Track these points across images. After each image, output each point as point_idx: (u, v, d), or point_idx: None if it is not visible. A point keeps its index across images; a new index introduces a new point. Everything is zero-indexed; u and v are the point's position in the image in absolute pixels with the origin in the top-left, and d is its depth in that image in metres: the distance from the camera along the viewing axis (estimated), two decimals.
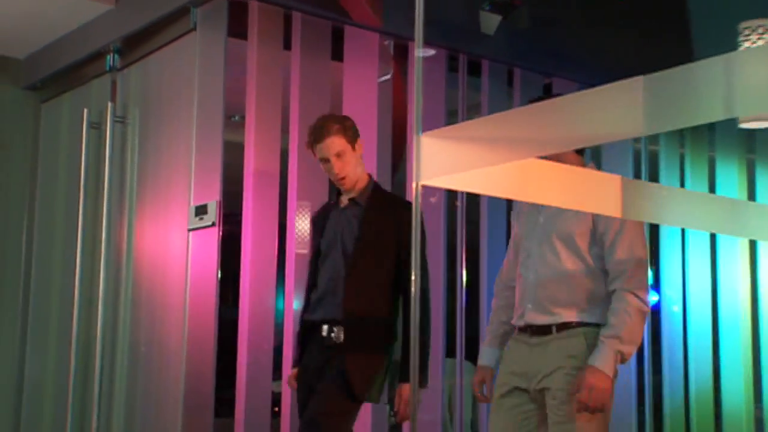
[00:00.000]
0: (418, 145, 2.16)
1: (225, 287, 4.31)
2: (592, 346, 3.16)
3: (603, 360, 3.10)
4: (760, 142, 5.87)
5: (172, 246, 4.51)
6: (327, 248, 3.76)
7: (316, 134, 3.70)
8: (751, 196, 5.84)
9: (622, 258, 3.18)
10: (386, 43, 4.90)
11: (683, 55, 1.73)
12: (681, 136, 5.80)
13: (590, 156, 3.67)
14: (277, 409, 4.64)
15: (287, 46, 4.61)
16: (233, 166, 4.41)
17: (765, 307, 5.86)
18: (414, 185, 2.17)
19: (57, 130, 5.62)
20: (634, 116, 1.82)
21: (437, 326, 4.83)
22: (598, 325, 3.20)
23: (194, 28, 4.47)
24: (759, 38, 3.96)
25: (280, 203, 4.51)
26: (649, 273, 3.26)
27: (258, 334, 4.34)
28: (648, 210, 2.65)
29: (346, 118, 3.80)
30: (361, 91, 4.79)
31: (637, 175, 5.48)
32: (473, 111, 5.17)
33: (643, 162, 5.56)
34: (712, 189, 5.77)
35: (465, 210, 5.04)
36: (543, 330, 3.26)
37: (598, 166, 3.86)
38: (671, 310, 5.66)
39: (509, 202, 3.84)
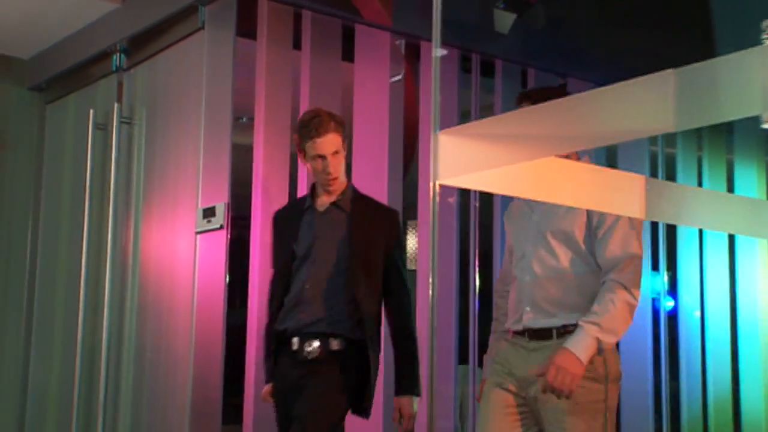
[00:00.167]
0: (435, 144, 2.10)
1: (233, 291, 4.28)
2: (602, 352, 3.06)
3: (577, 344, 2.97)
4: None
5: (179, 249, 4.47)
6: (304, 253, 3.60)
7: (316, 128, 3.55)
8: None
9: (615, 252, 3.08)
10: (397, 42, 4.87)
11: (705, 54, 1.68)
12: (699, 138, 5.76)
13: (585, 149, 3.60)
14: None
15: (297, 45, 4.58)
16: (242, 168, 4.37)
17: None
18: (431, 185, 2.11)
19: (62, 132, 5.59)
20: (664, 111, 1.76)
21: (449, 332, 4.79)
22: None
23: (202, 27, 4.43)
24: None
25: None
26: (643, 270, 3.14)
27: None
28: (672, 211, 2.58)
29: (338, 115, 3.70)
30: (372, 92, 4.76)
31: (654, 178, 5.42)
32: (486, 112, 5.12)
33: (660, 165, 5.51)
34: (730, 192, 5.71)
35: (478, 212, 4.99)
36: (542, 334, 3.16)
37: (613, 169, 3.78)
38: (688, 314, 5.60)
39: None
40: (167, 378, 4.52)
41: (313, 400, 3.45)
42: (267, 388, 3.68)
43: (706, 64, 1.73)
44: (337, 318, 3.52)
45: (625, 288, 3.05)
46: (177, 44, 4.66)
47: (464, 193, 4.90)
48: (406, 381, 3.62)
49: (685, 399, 5.50)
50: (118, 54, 5.03)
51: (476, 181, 2.29)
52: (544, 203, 3.22)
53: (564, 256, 3.17)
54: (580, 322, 3.02)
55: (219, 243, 4.20)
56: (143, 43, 4.89)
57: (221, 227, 4.18)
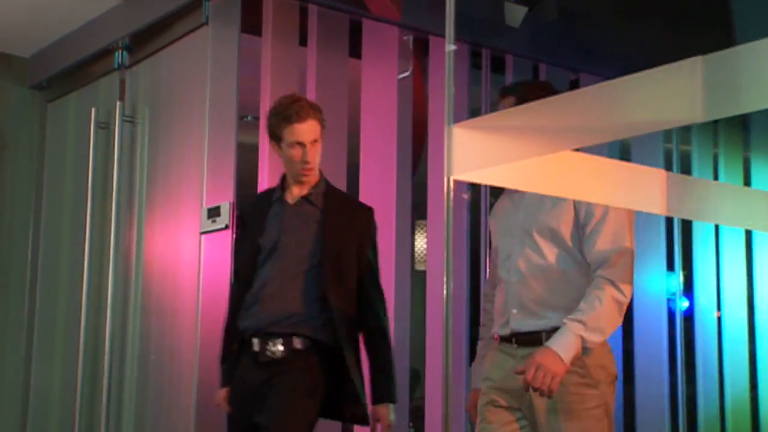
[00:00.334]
0: (449, 137, 2.05)
1: None
2: (588, 352, 2.96)
3: (561, 343, 2.87)
4: None
5: (184, 250, 4.45)
6: (270, 247, 3.43)
7: (297, 113, 3.37)
8: None
9: (604, 247, 2.98)
10: (405, 38, 4.83)
11: (724, 47, 1.63)
12: (714, 134, 5.72)
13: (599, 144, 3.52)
14: None
15: (303, 42, 4.56)
16: (247, 167, 4.34)
17: None
18: (445, 180, 2.06)
19: (64, 131, 5.56)
20: (691, 100, 1.70)
21: (460, 332, 4.75)
22: None
23: (206, 23, 4.40)
24: None
25: None
26: (633, 267, 3.03)
27: None
28: (694, 207, 2.52)
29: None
30: (380, 89, 4.73)
31: None
32: (496, 108, 5.07)
33: (674, 162, 5.46)
34: None
35: (488, 211, 4.95)
36: (531, 339, 3.04)
37: None
38: (705, 315, 5.55)
39: None
40: (171, 381, 4.49)
41: (280, 408, 3.29)
42: (222, 392, 3.49)
43: (735, 50, 1.67)
44: (301, 317, 3.35)
45: (613, 284, 2.95)
46: (180, 40, 4.63)
47: (474, 189, 4.86)
48: (382, 388, 3.47)
49: (702, 402, 5.45)
50: (120, 51, 4.99)
51: (491, 176, 2.23)
52: (529, 199, 3.12)
53: (551, 254, 3.07)
54: (564, 320, 2.93)
55: (224, 243, 4.16)
56: (146, 40, 4.86)
57: (226, 227, 4.14)
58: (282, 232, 3.42)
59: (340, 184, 4.49)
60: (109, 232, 4.87)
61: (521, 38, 4.90)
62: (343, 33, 4.61)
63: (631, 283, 3.01)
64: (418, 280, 5.28)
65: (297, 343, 3.33)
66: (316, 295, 3.38)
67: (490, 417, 3.11)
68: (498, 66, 5.04)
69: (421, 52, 4.90)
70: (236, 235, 3.66)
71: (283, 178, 3.53)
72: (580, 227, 3.05)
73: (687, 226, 5.44)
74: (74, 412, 4.94)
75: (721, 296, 5.60)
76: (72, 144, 5.45)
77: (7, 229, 5.62)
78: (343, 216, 3.48)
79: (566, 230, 3.05)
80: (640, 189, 2.41)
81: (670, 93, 1.77)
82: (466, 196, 4.84)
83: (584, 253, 3.03)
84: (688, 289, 5.58)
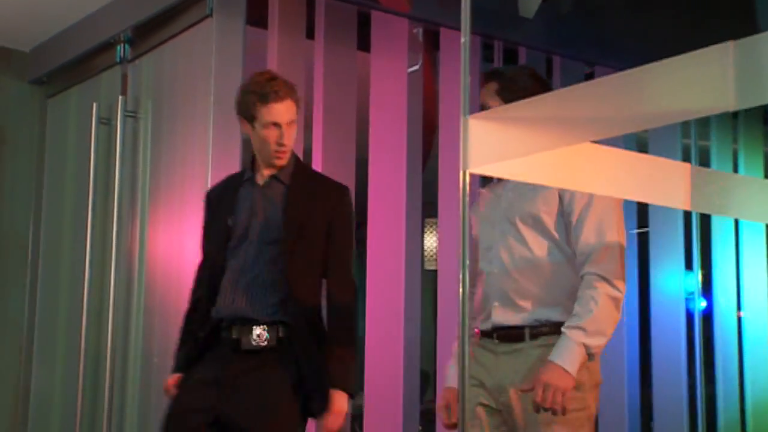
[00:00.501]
0: (465, 129, 2.00)
1: None
2: (593, 358, 2.90)
3: (563, 355, 2.81)
4: None
5: (188, 249, 4.40)
6: (242, 232, 3.30)
7: (275, 91, 3.23)
8: None
9: (589, 240, 2.90)
10: (415, 30, 4.81)
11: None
12: (734, 129, 5.68)
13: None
14: None
15: (310, 35, 4.53)
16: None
17: None
18: (461, 174, 2.01)
19: (64, 127, 5.53)
20: (723, 87, 1.65)
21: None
22: None
23: (210, 15, 4.36)
24: None
25: None
26: (625, 258, 2.95)
27: None
28: (719, 202, 2.47)
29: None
30: (389, 83, 4.70)
31: None
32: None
33: (693, 158, 5.42)
34: None
35: None
36: (513, 335, 2.98)
37: None
38: (724, 315, 5.51)
39: None
40: None
41: (269, 408, 3.16)
42: (173, 378, 3.34)
43: None
44: (277, 304, 3.22)
45: (605, 280, 2.88)
46: (184, 33, 4.60)
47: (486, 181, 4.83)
48: (337, 373, 3.23)
49: (722, 404, 5.42)
50: (122, 44, 4.96)
51: (508, 170, 2.18)
52: (512, 188, 3.05)
53: (535, 244, 2.99)
54: (563, 329, 2.86)
55: None
56: (148, 33, 4.83)
57: None
58: (253, 216, 3.31)
59: (349, 180, 4.47)
60: (111, 230, 4.84)
61: (535, 30, 4.87)
62: (351, 25, 4.58)
63: (623, 277, 2.93)
64: (427, 280, 5.25)
65: (281, 331, 3.21)
66: (298, 279, 3.25)
67: (480, 415, 3.04)
68: (511, 58, 4.99)
69: (431, 45, 4.87)
70: (204, 219, 3.51)
71: (253, 160, 3.40)
72: (564, 215, 2.97)
73: (706, 224, 5.41)
74: (76, 415, 4.90)
75: (741, 295, 5.56)
76: (73, 140, 5.42)
77: (6, 227, 5.59)
78: (308, 192, 3.33)
79: (550, 218, 2.98)
80: (663, 183, 2.36)
81: (698, 80, 1.71)
82: (483, 191, 4.82)
83: (571, 245, 2.97)
84: (707, 288, 5.53)
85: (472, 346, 3.09)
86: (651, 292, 5.31)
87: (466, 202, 2.05)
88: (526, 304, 2.98)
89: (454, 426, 3.13)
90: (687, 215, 5.26)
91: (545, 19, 4.81)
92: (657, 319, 5.27)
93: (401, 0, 4.57)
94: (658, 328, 5.25)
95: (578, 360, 2.83)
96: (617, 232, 2.95)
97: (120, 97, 4.88)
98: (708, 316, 5.49)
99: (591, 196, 2.93)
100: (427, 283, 4.93)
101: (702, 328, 5.31)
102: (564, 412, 2.82)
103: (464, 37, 2.22)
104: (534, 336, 2.96)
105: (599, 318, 2.85)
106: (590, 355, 2.87)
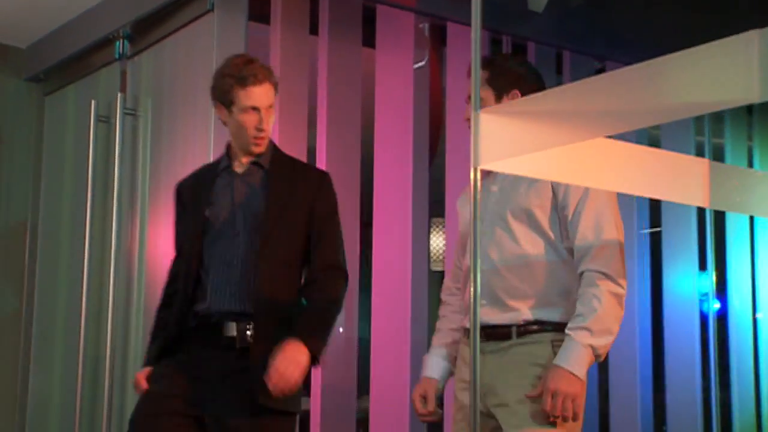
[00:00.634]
0: (475, 124, 1.96)
1: None
2: (600, 359, 2.84)
3: (571, 359, 2.74)
4: None
5: None
6: (224, 222, 3.21)
7: (254, 75, 3.17)
8: None
9: (588, 233, 2.84)
10: (421, 26, 4.78)
11: None
12: (749, 126, 5.65)
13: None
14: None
15: (314, 30, 4.51)
16: None
17: None
18: (471, 170, 1.97)
19: (62, 125, 5.50)
20: (747, 78, 1.60)
21: None
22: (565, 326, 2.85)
23: (211, 10, 4.32)
24: None
25: None
26: (624, 255, 2.89)
27: None
28: (739, 199, 2.42)
29: None
30: (395, 80, 4.68)
31: None
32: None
33: (706, 156, 5.37)
34: None
35: None
36: (500, 333, 2.90)
37: None
38: (739, 317, 5.48)
39: None
40: None
41: (257, 414, 3.06)
42: (144, 372, 3.24)
43: None
44: (264, 297, 3.13)
45: (607, 277, 2.81)
46: (184, 28, 4.57)
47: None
48: (302, 327, 3.11)
49: (737, 409, 5.38)
50: (121, 40, 4.92)
51: (520, 166, 2.13)
52: (503, 181, 2.99)
53: (526, 239, 2.92)
54: (567, 331, 2.79)
55: None
56: (148, 28, 4.79)
57: None
58: (236, 205, 3.23)
59: (354, 179, 4.46)
60: (110, 230, 4.81)
61: (544, 24, 4.83)
62: (356, 21, 4.56)
63: (624, 273, 2.87)
64: (434, 281, 5.21)
65: (270, 327, 3.12)
66: (278, 271, 3.19)
67: (461, 422, 2.99)
68: (520, 54, 4.97)
69: (437, 40, 4.84)
70: (176, 212, 3.42)
71: (228, 148, 3.34)
72: (558, 209, 2.91)
73: (720, 223, 5.37)
74: (75, 417, 4.88)
75: (757, 296, 5.53)
76: (71, 138, 5.39)
77: (2, 228, 5.57)
78: (289, 177, 3.27)
79: (543, 213, 2.92)
80: (681, 179, 2.31)
81: (721, 71, 1.67)
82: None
83: (565, 240, 2.90)
84: (722, 289, 5.49)
85: (461, 345, 3.07)
86: (664, 293, 5.29)
87: (477, 200, 2.01)
88: (515, 304, 2.91)
89: (431, 418, 3.08)
90: (700, 214, 5.23)
91: (555, 13, 4.78)
92: (670, 321, 5.24)
93: None
94: (671, 331, 5.22)
95: (586, 363, 2.78)
96: (615, 226, 2.89)
97: (119, 95, 4.84)
98: (722, 317, 5.45)
99: (587, 190, 2.87)
100: (434, 285, 4.89)
101: (716, 331, 5.27)
102: (575, 418, 2.76)
103: (475, 31, 2.18)
104: (521, 334, 2.89)
105: (604, 317, 2.79)
106: (597, 357, 2.81)
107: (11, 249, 5.57)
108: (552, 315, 2.89)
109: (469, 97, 3.09)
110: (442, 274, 4.83)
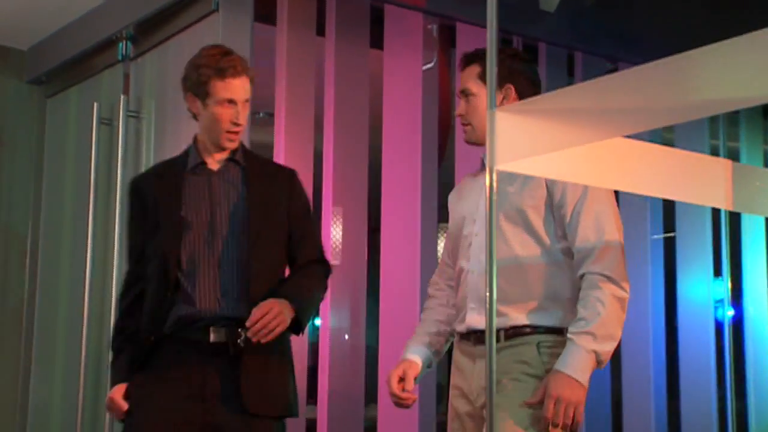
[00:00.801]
0: (491, 123, 1.92)
1: None
2: (546, 356, 2.78)
3: (573, 364, 2.68)
4: None
5: None
6: (200, 223, 3.08)
7: (233, 66, 3.09)
8: None
9: (588, 234, 2.78)
10: (429, 26, 4.76)
11: None
12: (765, 130, 5.62)
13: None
14: None
15: (320, 31, 4.49)
16: None
17: None
18: (487, 171, 1.93)
19: (64, 128, 5.48)
20: None
21: None
22: (559, 331, 2.80)
23: (216, 10, 4.29)
24: None
25: (313, 210, 4.29)
26: (625, 257, 2.83)
27: None
28: (763, 201, 2.38)
29: None
30: (403, 82, 4.65)
31: None
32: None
33: None
34: None
35: None
36: None
37: None
38: (755, 324, 5.44)
39: None
40: None
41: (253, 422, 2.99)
42: (120, 391, 3.07)
43: None
44: (252, 299, 3.03)
45: (610, 280, 2.75)
46: (188, 29, 4.53)
47: None
48: (291, 291, 3.06)
49: (753, 419, 5.35)
50: (124, 42, 4.90)
51: (539, 166, 2.09)
52: (497, 178, 2.95)
53: (516, 241, 2.86)
54: (569, 335, 2.74)
55: None
56: (151, 29, 4.76)
57: None
58: (217, 205, 3.12)
59: (361, 184, 4.43)
60: (113, 234, 4.74)
61: (555, 25, 4.80)
62: (363, 21, 4.54)
63: (626, 277, 2.80)
64: None
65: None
66: (270, 274, 3.12)
67: (463, 427, 2.94)
68: (530, 55, 4.92)
69: (446, 41, 4.82)
70: (132, 210, 3.23)
71: (195, 143, 3.21)
72: (555, 209, 2.85)
73: (735, 228, 5.33)
74: (76, 422, 4.85)
75: None
76: (73, 141, 5.37)
77: (3, 232, 5.55)
78: (265, 174, 3.21)
79: (537, 214, 2.86)
80: (702, 181, 2.27)
81: (749, 66, 1.63)
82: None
83: (562, 242, 2.85)
84: (737, 295, 5.46)
85: (455, 350, 3.03)
86: (678, 299, 5.25)
87: (494, 202, 1.97)
88: (503, 308, 2.84)
89: (405, 403, 3.01)
90: (715, 219, 5.20)
91: (566, 13, 4.75)
92: (684, 328, 5.20)
93: None
94: (685, 338, 5.19)
95: (589, 369, 2.72)
96: (616, 227, 2.83)
97: (122, 97, 4.81)
98: (737, 324, 5.41)
99: (585, 188, 2.81)
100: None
101: (732, 338, 5.23)
102: (577, 428, 2.71)
103: (491, 30, 2.14)
104: (509, 337, 2.83)
105: (608, 321, 2.73)
106: (600, 363, 2.75)
107: (13, 254, 5.55)
108: (542, 320, 2.84)
109: (462, 92, 3.05)
110: None
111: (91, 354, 4.88)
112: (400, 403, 3.04)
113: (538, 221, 2.87)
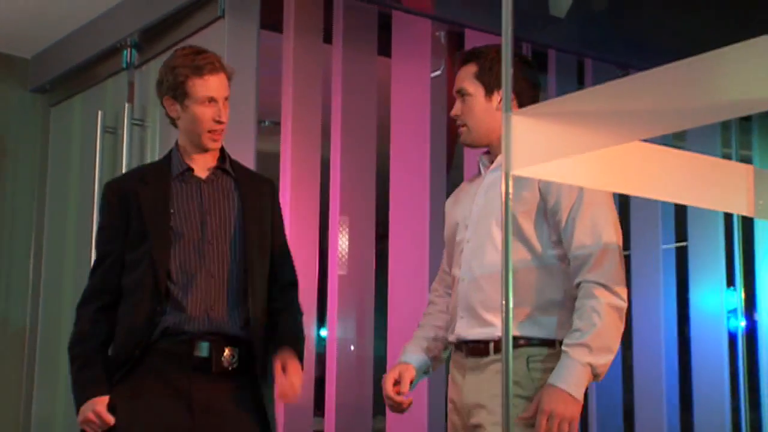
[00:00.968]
0: (507, 126, 1.86)
1: None
2: (537, 372, 2.71)
3: (567, 378, 2.60)
4: None
5: None
6: (191, 232, 3.00)
7: (212, 63, 3.03)
8: None
9: (584, 241, 2.68)
10: (437, 33, 4.72)
11: None
12: None
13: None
14: None
15: (328, 39, 4.47)
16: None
17: None
18: (503, 177, 1.88)
19: (68, 136, 5.45)
20: None
21: None
22: (551, 343, 2.72)
23: (222, 16, 4.26)
24: None
25: (320, 219, 4.32)
26: (624, 264, 2.73)
27: None
28: None
29: None
30: (411, 89, 4.63)
31: None
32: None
33: None
34: None
35: None
36: (478, 349, 2.78)
37: None
38: None
39: None
40: None
41: None
42: (102, 403, 2.93)
43: None
44: (244, 316, 3.00)
45: (607, 288, 2.66)
46: (194, 36, 4.49)
47: None
48: (291, 339, 3.05)
49: None
50: (128, 49, 4.87)
51: (557, 171, 2.03)
52: (489, 182, 2.87)
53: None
54: (563, 348, 2.66)
55: None
56: (157, 37, 4.73)
57: None
58: (204, 214, 3.04)
59: (369, 193, 4.40)
60: None
61: (565, 31, 4.76)
62: (371, 28, 4.52)
63: (625, 284, 2.71)
64: None
65: (245, 350, 2.98)
66: (261, 288, 3.06)
67: None
68: (539, 61, 4.89)
69: (455, 48, 4.78)
70: (108, 214, 3.12)
71: (177, 151, 3.13)
72: (549, 215, 2.76)
73: (748, 237, 5.29)
74: None
75: None
76: (77, 150, 5.34)
77: (7, 242, 5.52)
78: (254, 186, 3.15)
79: (528, 218, 2.78)
80: (723, 186, 2.21)
81: None
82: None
83: (556, 248, 2.77)
84: (750, 306, 5.41)
85: (451, 363, 2.98)
86: (690, 310, 5.21)
87: (509, 207, 1.91)
88: (492, 318, 2.77)
89: (399, 407, 2.95)
90: (728, 228, 5.16)
91: (577, 18, 4.71)
92: (697, 339, 5.16)
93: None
94: (698, 349, 5.15)
95: (584, 382, 2.64)
96: (614, 230, 2.73)
97: (126, 105, 4.78)
98: (751, 335, 5.36)
99: (580, 191, 2.71)
100: None
101: (745, 349, 5.18)
102: None
103: (505, 34, 2.09)
104: (498, 349, 2.74)
105: (604, 332, 2.65)
106: (596, 376, 2.67)
107: (16, 263, 5.52)
108: (532, 330, 2.76)
109: (457, 92, 2.98)
110: None
111: None
112: (395, 407, 2.97)
113: (529, 227, 2.79)
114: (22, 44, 5.44)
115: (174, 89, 3.06)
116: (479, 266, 2.83)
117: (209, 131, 3.06)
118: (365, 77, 4.48)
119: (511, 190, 1.90)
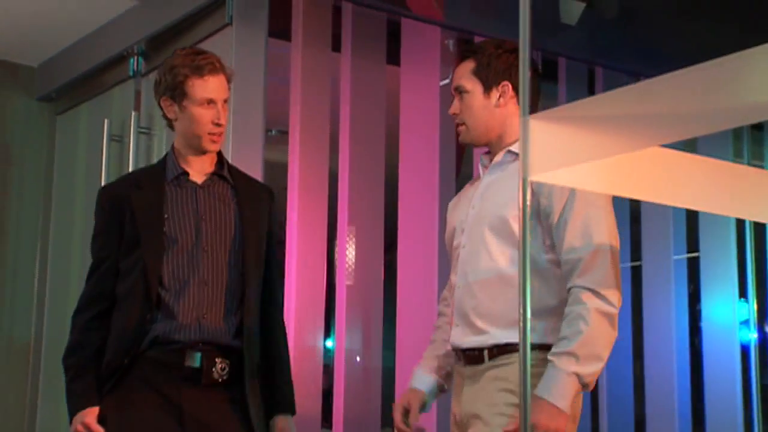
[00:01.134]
0: (524, 130, 1.81)
1: None
2: (533, 378, 2.52)
3: (553, 389, 2.52)
4: None
5: None
6: (185, 238, 2.93)
7: (212, 64, 2.98)
8: None
9: (574, 243, 2.59)
10: (447, 41, 4.70)
11: None
12: None
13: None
14: None
15: (336, 47, 4.44)
16: (274, 187, 4.19)
17: None
18: (520, 183, 1.82)
19: (74, 145, 5.44)
20: None
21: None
22: (546, 347, 2.62)
23: (230, 23, 4.23)
24: None
25: (328, 230, 4.29)
26: (618, 266, 2.63)
27: (305, 376, 4.06)
28: None
29: None
30: (420, 98, 4.61)
31: None
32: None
33: None
34: None
35: None
36: (474, 357, 2.71)
37: None
38: None
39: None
40: None
41: None
42: (92, 414, 2.92)
43: None
44: (237, 326, 2.94)
45: (595, 293, 2.57)
46: (201, 43, 4.46)
47: None
48: (286, 398, 3.08)
49: None
50: (135, 57, 4.84)
51: (575, 177, 1.98)
52: (486, 187, 2.81)
53: (500, 254, 2.70)
54: (549, 357, 2.56)
55: None
56: (163, 44, 4.70)
57: None
58: (202, 220, 2.97)
59: (377, 202, 4.35)
60: None
61: (576, 39, 4.73)
62: (380, 36, 4.51)
63: (617, 287, 2.60)
64: None
65: (236, 362, 2.92)
66: (257, 298, 3.01)
67: None
68: (549, 70, 4.86)
69: None
70: (102, 220, 3.05)
71: (173, 154, 3.06)
72: (542, 218, 2.68)
73: (760, 248, 5.24)
74: None
75: None
76: (83, 158, 5.32)
77: (12, 251, 5.49)
78: (253, 193, 3.09)
79: (517, 223, 2.66)
80: (746, 194, 2.15)
81: None
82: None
83: (549, 253, 2.69)
84: (762, 317, 5.37)
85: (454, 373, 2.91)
86: (702, 321, 5.17)
87: (527, 215, 1.86)
88: (485, 325, 2.71)
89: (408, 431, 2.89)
90: (740, 239, 5.11)
91: (588, 25, 4.67)
92: (709, 351, 5.12)
93: (434, 6, 4.45)
94: (710, 361, 5.10)
95: (571, 393, 2.55)
96: (607, 233, 2.63)
97: (133, 113, 4.74)
98: (763, 347, 5.32)
99: (572, 192, 2.62)
100: None
101: (758, 361, 5.13)
102: None
103: (523, 39, 2.04)
104: (493, 356, 2.68)
105: (591, 340, 2.55)
106: (584, 386, 2.58)
107: (21, 273, 5.50)
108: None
109: (455, 89, 2.92)
110: None
111: None
112: None
113: (518, 231, 2.72)
114: (28, 53, 5.43)
115: (172, 89, 3.00)
116: (472, 272, 2.76)
117: (209, 133, 3.00)
118: (374, 85, 4.46)
119: (529, 197, 1.84)
